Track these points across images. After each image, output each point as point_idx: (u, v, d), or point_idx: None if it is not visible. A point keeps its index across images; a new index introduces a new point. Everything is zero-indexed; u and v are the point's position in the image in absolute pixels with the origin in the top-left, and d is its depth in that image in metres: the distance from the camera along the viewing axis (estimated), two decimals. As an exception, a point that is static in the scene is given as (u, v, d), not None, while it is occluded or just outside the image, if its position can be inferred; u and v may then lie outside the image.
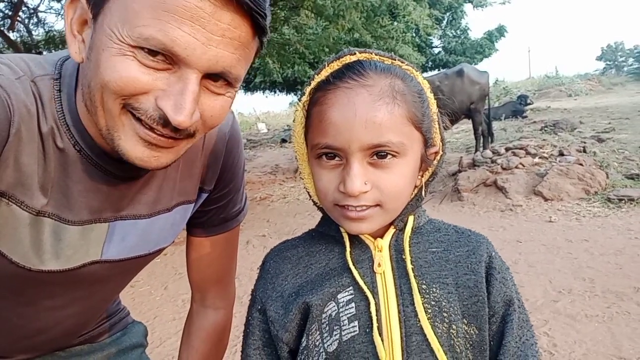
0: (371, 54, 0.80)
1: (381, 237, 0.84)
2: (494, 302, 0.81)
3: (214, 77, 0.72)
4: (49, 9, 8.70)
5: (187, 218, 1.05)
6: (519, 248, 4.88)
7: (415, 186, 0.85)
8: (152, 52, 0.66)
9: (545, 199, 6.48)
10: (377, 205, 0.77)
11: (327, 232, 0.89)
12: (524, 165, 7.29)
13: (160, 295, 4.46)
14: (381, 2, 8.11)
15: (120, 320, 1.23)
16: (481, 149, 9.21)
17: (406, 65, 0.81)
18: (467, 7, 17.49)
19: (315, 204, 0.90)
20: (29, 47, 8.43)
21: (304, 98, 0.83)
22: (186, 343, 1.16)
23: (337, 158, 0.77)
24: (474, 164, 7.94)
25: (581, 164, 6.85)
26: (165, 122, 0.69)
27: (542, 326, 3.17)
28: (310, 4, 6.82)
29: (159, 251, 1.02)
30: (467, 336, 0.79)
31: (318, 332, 0.79)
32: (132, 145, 0.72)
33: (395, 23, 11.56)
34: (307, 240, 0.91)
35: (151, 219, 0.94)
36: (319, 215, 0.93)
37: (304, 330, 0.81)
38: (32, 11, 8.45)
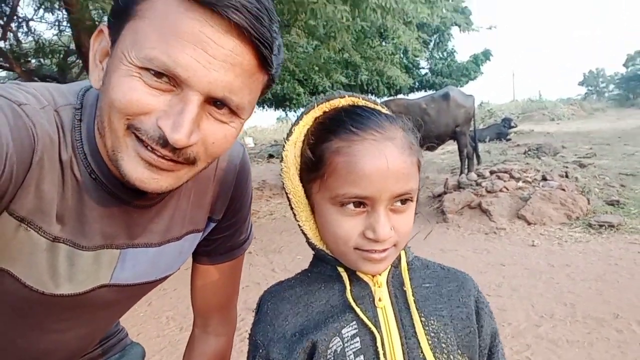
0: (358, 98, 0.86)
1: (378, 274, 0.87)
2: (485, 335, 0.88)
3: (218, 105, 0.74)
4: (41, 18, 8.62)
5: (195, 246, 1.07)
6: (503, 271, 4.94)
7: None
8: (157, 74, 0.68)
9: (529, 223, 6.58)
10: (394, 245, 0.82)
11: (323, 272, 0.90)
12: (508, 189, 7.40)
13: (144, 311, 4.40)
14: (371, 25, 8.24)
15: (119, 341, 1.25)
16: (466, 171, 9.33)
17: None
18: (454, 30, 17.83)
19: (312, 246, 0.89)
20: (18, 56, 8.34)
21: (298, 137, 0.85)
22: None
23: (361, 206, 0.79)
24: (459, 186, 8.04)
25: (563, 189, 6.98)
26: (164, 142, 0.71)
27: (524, 351, 3.21)
28: (302, 24, 6.88)
29: (165, 278, 1.05)
30: None
31: None
32: (133, 166, 0.73)
33: (384, 44, 11.73)
34: (304, 281, 0.91)
35: (161, 247, 0.96)
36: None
37: None
38: (20, 20, 8.37)
